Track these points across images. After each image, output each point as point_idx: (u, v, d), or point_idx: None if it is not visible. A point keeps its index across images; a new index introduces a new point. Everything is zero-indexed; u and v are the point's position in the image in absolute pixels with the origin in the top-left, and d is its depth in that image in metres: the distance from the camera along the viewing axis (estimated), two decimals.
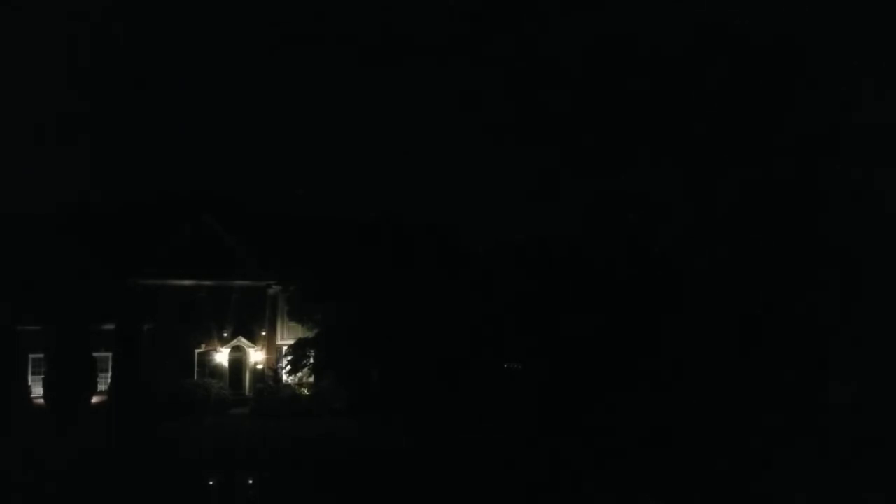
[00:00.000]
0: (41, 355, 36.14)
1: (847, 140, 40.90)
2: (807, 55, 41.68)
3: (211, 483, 25.88)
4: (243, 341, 41.33)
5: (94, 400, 36.19)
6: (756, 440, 30.87)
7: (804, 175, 39.94)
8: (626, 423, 33.69)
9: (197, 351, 40.67)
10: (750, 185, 40.60)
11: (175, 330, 39.73)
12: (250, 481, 26.22)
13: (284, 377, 40.91)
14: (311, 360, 39.75)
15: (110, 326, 37.46)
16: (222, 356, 40.83)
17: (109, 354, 37.46)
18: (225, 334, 41.01)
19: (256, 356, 41.59)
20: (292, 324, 42.01)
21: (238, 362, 41.43)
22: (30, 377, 36.57)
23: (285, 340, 42.08)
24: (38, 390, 36.09)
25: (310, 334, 40.25)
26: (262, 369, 41.34)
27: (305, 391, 39.51)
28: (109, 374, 37.16)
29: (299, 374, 40.25)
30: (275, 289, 42.11)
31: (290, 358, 40.35)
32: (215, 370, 40.48)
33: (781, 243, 38.44)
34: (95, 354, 36.52)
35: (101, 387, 36.95)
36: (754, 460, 27.76)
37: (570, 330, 38.07)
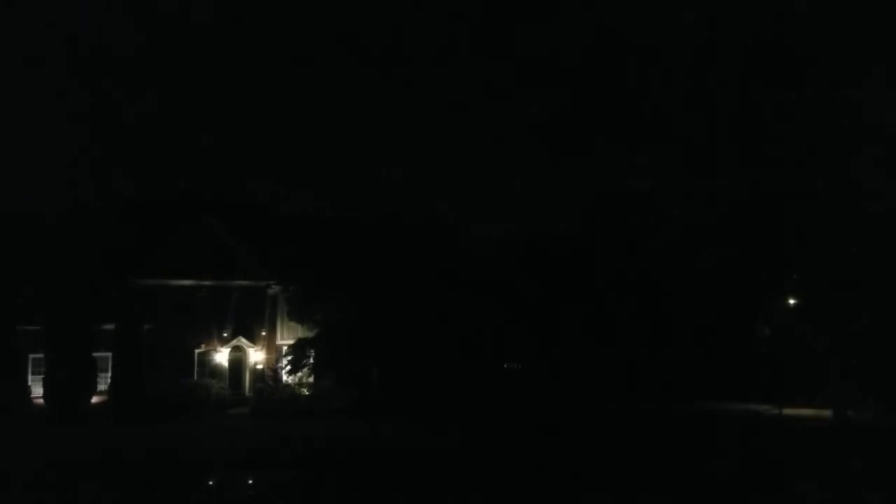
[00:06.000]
0: (41, 355, 36.10)
1: (848, 140, 40.85)
2: (808, 55, 41.65)
3: (211, 483, 25.86)
4: (243, 341, 41.30)
5: (94, 400, 36.16)
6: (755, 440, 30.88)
7: (804, 175, 39.91)
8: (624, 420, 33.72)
9: (197, 351, 40.65)
10: (750, 186, 40.59)
11: (175, 330, 39.71)
12: (250, 481, 26.20)
13: (284, 377, 40.89)
14: (311, 360, 39.76)
15: (110, 326, 37.42)
16: (222, 356, 40.81)
17: (109, 354, 37.42)
18: (225, 334, 40.98)
19: (256, 356, 41.57)
20: (292, 324, 41.99)
21: (238, 362, 41.41)
22: (30, 377, 36.55)
23: (285, 340, 42.07)
24: (38, 390, 36.05)
25: (310, 334, 40.25)
26: (262, 369, 41.32)
27: (305, 391, 39.49)
28: (109, 374, 37.12)
29: (299, 374, 40.24)
30: (275, 289, 42.09)
31: (290, 358, 40.36)
32: (215, 370, 40.45)
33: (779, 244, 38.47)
34: (95, 354, 36.48)
35: (101, 387, 36.92)
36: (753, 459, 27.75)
37: (568, 329, 38.14)
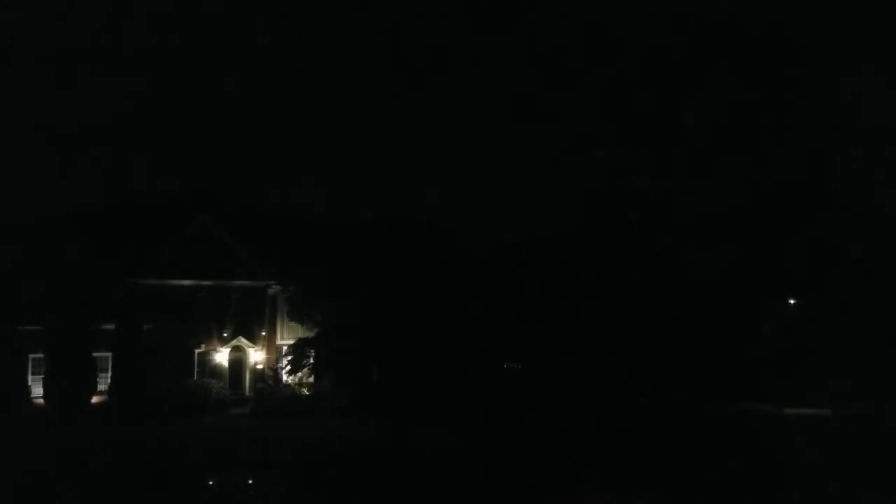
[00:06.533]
0: (41, 355, 36.11)
1: (848, 139, 40.87)
2: (809, 53, 41.68)
3: (211, 483, 25.85)
4: (243, 341, 41.30)
5: (94, 400, 36.17)
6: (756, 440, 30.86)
7: (803, 174, 39.91)
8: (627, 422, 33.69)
9: (197, 351, 40.65)
10: (749, 185, 40.58)
11: (175, 330, 39.70)
12: (250, 481, 26.20)
13: (284, 377, 40.90)
14: (311, 360, 39.76)
15: (110, 326, 37.42)
16: (222, 356, 40.81)
17: (109, 354, 37.41)
18: (225, 334, 40.99)
19: (256, 356, 41.57)
20: (292, 324, 42.00)
21: (238, 362, 41.42)
22: (30, 377, 36.54)
23: (285, 340, 42.07)
24: (38, 390, 36.05)
25: (310, 334, 40.24)
26: (262, 369, 41.34)
27: (305, 391, 39.51)
28: (109, 374, 37.12)
29: (299, 374, 40.25)
30: (275, 289, 42.10)
31: (290, 358, 40.35)
32: (215, 370, 40.45)
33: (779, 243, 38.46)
34: (95, 354, 36.48)
35: (101, 387, 36.92)
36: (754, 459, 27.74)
37: (568, 328, 38.10)
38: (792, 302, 40.60)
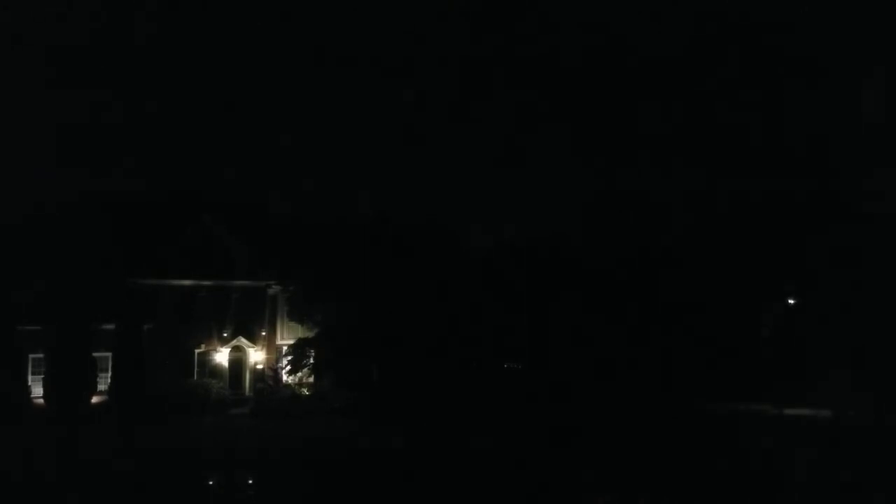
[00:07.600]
0: (41, 355, 36.09)
1: (849, 139, 40.89)
2: (809, 55, 41.70)
3: (211, 483, 25.86)
4: (243, 341, 41.29)
5: (94, 400, 36.16)
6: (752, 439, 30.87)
7: (804, 174, 39.93)
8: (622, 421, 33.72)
9: (197, 351, 40.63)
10: (749, 185, 40.62)
11: (175, 330, 39.69)
12: (250, 481, 26.21)
13: (284, 377, 40.91)
14: (311, 360, 39.76)
15: (110, 326, 37.40)
16: (222, 356, 40.80)
17: (109, 354, 37.39)
18: (225, 334, 40.98)
19: (256, 356, 41.57)
20: (292, 324, 42.00)
21: (238, 362, 41.41)
22: (30, 377, 36.51)
23: (285, 340, 42.07)
24: (38, 390, 36.05)
25: (310, 334, 40.25)
26: (262, 369, 41.33)
27: (305, 391, 39.50)
28: (109, 374, 37.11)
29: (299, 374, 40.26)
30: (275, 289, 42.09)
31: (290, 358, 40.36)
32: (215, 370, 40.44)
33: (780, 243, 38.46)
34: (95, 354, 36.46)
35: (101, 387, 36.90)
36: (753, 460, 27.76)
37: (568, 329, 38.13)
38: (792, 302, 40.60)
